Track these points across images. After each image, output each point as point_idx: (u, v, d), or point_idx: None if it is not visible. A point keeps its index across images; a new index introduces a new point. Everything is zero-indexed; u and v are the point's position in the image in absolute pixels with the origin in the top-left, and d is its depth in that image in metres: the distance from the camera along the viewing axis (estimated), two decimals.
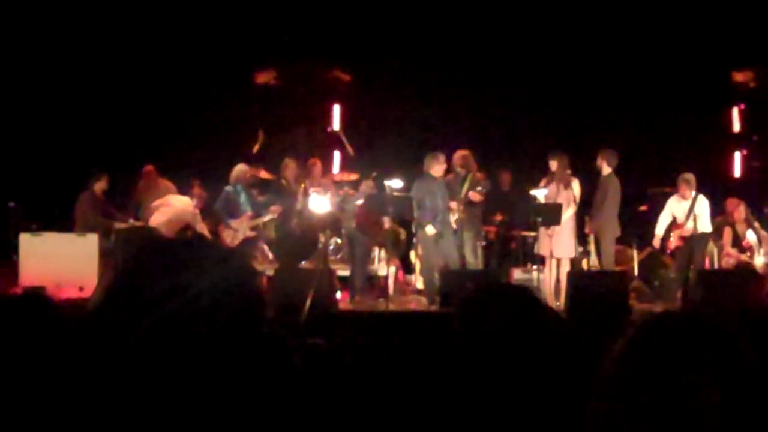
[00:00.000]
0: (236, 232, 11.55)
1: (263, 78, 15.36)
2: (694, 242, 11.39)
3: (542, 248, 11.25)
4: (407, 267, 12.98)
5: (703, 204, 11.46)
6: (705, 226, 11.46)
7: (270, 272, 10.65)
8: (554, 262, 11.21)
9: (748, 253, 11.83)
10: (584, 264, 12.20)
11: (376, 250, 12.43)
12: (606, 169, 11.40)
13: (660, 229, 11.63)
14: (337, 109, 14.96)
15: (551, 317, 2.36)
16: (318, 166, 12.38)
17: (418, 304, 11.36)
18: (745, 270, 11.37)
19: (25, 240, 11.00)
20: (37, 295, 2.59)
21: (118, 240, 11.26)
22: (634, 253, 12.57)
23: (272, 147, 13.66)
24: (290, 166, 12.27)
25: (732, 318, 1.33)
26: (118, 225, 11.58)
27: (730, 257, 11.85)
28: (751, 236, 11.88)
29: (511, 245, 12.88)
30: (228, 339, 1.37)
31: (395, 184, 11.33)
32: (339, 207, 11.78)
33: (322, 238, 11.56)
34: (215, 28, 14.19)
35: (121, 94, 14.01)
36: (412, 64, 14.72)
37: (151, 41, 13.95)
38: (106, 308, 1.41)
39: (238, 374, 1.37)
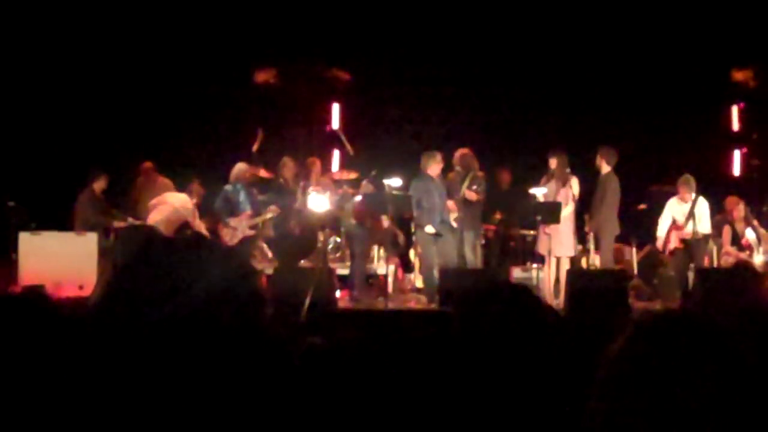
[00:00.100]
0: (235, 230, 11.55)
1: (263, 77, 15.35)
2: (693, 244, 11.40)
3: (541, 247, 11.26)
4: (407, 266, 12.98)
5: (703, 206, 11.47)
6: (705, 227, 11.48)
7: (269, 271, 10.65)
8: (554, 260, 11.21)
9: (748, 252, 11.83)
10: (583, 263, 12.20)
11: (376, 248, 12.43)
12: (605, 168, 11.41)
13: (662, 231, 11.64)
14: (336, 108, 14.95)
15: (550, 316, 2.36)
16: (317, 165, 12.38)
17: (417, 302, 11.37)
18: (744, 268, 11.37)
19: (25, 239, 11.00)
20: (36, 293, 2.60)
21: (118, 239, 11.26)
22: (633, 251, 12.57)
23: (272, 146, 13.64)
24: (288, 165, 12.27)
25: (731, 316, 1.33)
26: (118, 224, 11.57)
27: (730, 256, 11.86)
28: (750, 235, 11.88)
29: (511, 244, 12.88)
30: (227, 337, 1.37)
31: (394, 182, 11.33)
32: (338, 206, 11.78)
33: (321, 237, 11.56)
34: (214, 27, 14.18)
35: (120, 93, 13.99)
36: (411, 63, 14.71)
37: (150, 40, 13.94)
38: (106, 307, 1.41)
39: (238, 372, 1.37)
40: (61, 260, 10.66)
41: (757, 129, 15.24)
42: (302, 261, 11.79)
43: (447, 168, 11.59)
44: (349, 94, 15.34)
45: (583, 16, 14.43)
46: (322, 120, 15.02)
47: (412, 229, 11.69)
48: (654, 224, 11.87)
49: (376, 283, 12.22)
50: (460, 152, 11.54)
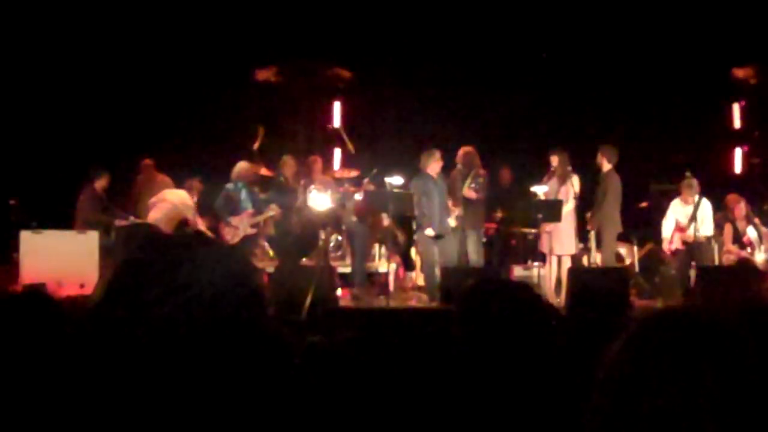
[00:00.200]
0: (237, 229, 11.55)
1: (263, 75, 15.35)
2: (695, 247, 11.42)
3: (543, 245, 11.28)
4: (408, 264, 12.97)
5: (706, 208, 11.50)
6: (707, 229, 11.52)
7: (270, 269, 10.66)
8: (555, 259, 11.22)
9: (749, 250, 11.83)
10: (585, 261, 12.20)
11: (377, 246, 12.43)
12: (606, 166, 11.41)
13: (666, 233, 11.67)
14: (337, 106, 14.95)
15: (551, 314, 2.36)
16: (319, 163, 12.38)
17: (418, 300, 11.37)
18: (745, 266, 11.37)
19: (26, 237, 11.01)
20: (37, 292, 2.60)
21: (119, 237, 11.26)
22: (635, 249, 12.57)
23: (272, 144, 13.64)
24: (289, 164, 12.27)
25: (733, 314, 1.33)
26: (119, 222, 11.57)
27: (731, 254, 11.85)
28: (751, 233, 11.88)
29: (512, 242, 12.88)
30: (228, 336, 1.37)
31: (395, 180, 11.32)
32: (339, 204, 11.78)
33: (322, 235, 11.56)
34: (215, 25, 14.18)
35: (121, 92, 14.00)
36: (412, 60, 14.72)
37: (151, 38, 13.95)
38: (107, 305, 1.41)
39: (239, 371, 1.37)
40: (63, 259, 10.66)
41: (758, 127, 15.24)
42: (303, 259, 11.79)
43: (450, 166, 11.58)
44: (350, 92, 15.34)
45: (585, 14, 14.43)
46: (322, 118, 15.02)
47: (413, 228, 11.69)
48: (655, 222, 11.87)
49: (377, 281, 12.22)
50: (463, 150, 11.53)
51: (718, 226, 11.92)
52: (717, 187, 12.51)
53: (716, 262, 11.89)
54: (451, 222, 11.20)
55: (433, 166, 11.14)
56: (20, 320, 2.35)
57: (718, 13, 14.04)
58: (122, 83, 14.00)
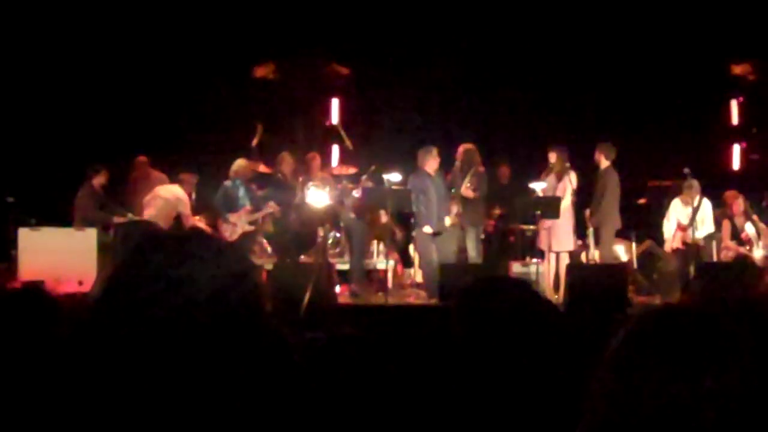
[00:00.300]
0: (235, 226, 11.55)
1: (261, 72, 15.35)
2: (693, 249, 11.47)
3: (541, 242, 11.28)
4: (406, 261, 12.97)
5: (706, 208, 11.55)
6: (708, 228, 11.58)
7: (269, 266, 10.65)
8: (553, 255, 11.22)
9: (747, 246, 11.83)
10: (583, 257, 12.21)
11: (375, 243, 12.43)
12: (604, 163, 11.42)
13: (668, 233, 11.70)
14: (335, 103, 14.94)
15: (550, 311, 2.36)
16: (317, 160, 12.39)
17: (417, 297, 11.36)
18: (743, 263, 11.39)
19: (24, 235, 11.01)
20: (36, 289, 2.60)
21: (117, 234, 11.25)
22: (633, 246, 12.57)
23: (271, 141, 13.63)
24: (287, 160, 12.27)
25: (731, 310, 1.33)
26: (117, 219, 11.57)
27: (729, 250, 11.86)
28: (749, 229, 11.89)
29: (510, 239, 12.88)
30: (227, 333, 1.37)
31: (394, 177, 11.32)
32: (338, 201, 11.78)
33: (320, 232, 11.56)
34: (213, 21, 14.17)
35: (119, 89, 13.98)
36: (410, 58, 14.71)
37: (149, 35, 13.93)
38: (106, 302, 1.41)
39: (237, 368, 1.37)
40: (61, 256, 10.67)
41: (756, 123, 15.25)
42: (302, 256, 11.79)
43: (448, 163, 11.57)
44: (349, 89, 15.34)
45: (583, 11, 14.43)
46: (321, 115, 15.01)
47: (412, 224, 11.69)
48: (653, 219, 11.87)
49: (375, 278, 12.22)
50: (463, 147, 11.51)
51: (717, 223, 11.94)
52: (715, 183, 12.52)
53: (714, 259, 11.91)
54: (447, 221, 11.19)
55: (431, 163, 11.13)
56: (18, 317, 2.35)
57: (715, 9, 14.03)
58: (120, 80, 13.99)
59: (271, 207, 11.75)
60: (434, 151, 11.18)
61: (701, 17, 14.08)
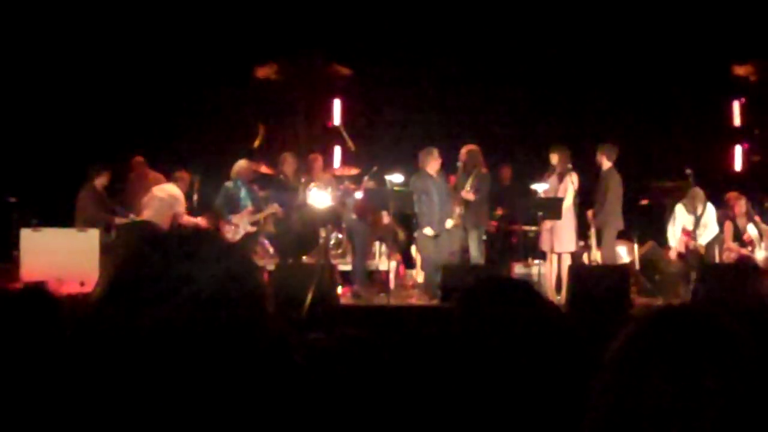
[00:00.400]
0: (237, 227, 11.55)
1: (263, 72, 15.35)
2: (697, 254, 11.49)
3: (543, 243, 11.27)
4: (408, 262, 12.97)
5: (710, 213, 11.57)
6: (711, 232, 11.60)
7: (271, 267, 10.65)
8: (555, 256, 11.22)
9: (749, 247, 11.82)
10: (585, 258, 12.20)
11: (377, 244, 12.42)
12: (606, 164, 11.41)
13: (673, 240, 11.71)
14: (337, 104, 14.94)
15: (552, 312, 2.36)
16: (319, 161, 12.38)
17: (419, 298, 11.36)
18: (746, 264, 11.38)
19: (26, 235, 11.01)
20: (38, 290, 2.60)
21: (119, 235, 11.26)
22: (635, 247, 12.57)
23: (273, 142, 13.65)
24: (289, 161, 12.27)
25: (733, 312, 1.33)
26: (119, 220, 11.58)
27: (731, 251, 11.85)
28: (752, 230, 11.88)
29: (512, 240, 12.87)
30: (229, 334, 1.37)
31: (396, 178, 11.31)
32: (339, 202, 11.77)
33: (322, 233, 11.56)
34: (215, 22, 14.17)
35: (121, 90, 14.00)
36: (412, 58, 14.71)
37: (151, 36, 13.94)
38: (108, 303, 1.41)
39: (239, 369, 1.37)
40: (63, 257, 10.67)
41: (758, 124, 15.25)
42: (304, 257, 11.79)
43: (451, 163, 11.56)
44: (350, 89, 15.33)
45: (585, 11, 14.42)
46: (323, 116, 15.02)
47: (414, 225, 11.69)
48: (656, 220, 11.87)
49: (377, 279, 12.22)
50: (466, 148, 11.48)
51: (719, 224, 11.93)
52: (717, 184, 12.51)
53: (717, 260, 11.90)
54: (449, 222, 11.18)
55: (432, 164, 11.12)
56: (20, 318, 2.35)
57: (718, 10, 14.03)
58: (122, 81, 14.00)
59: (274, 208, 11.75)
60: (435, 152, 11.17)
61: (704, 18, 14.08)
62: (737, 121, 15.54)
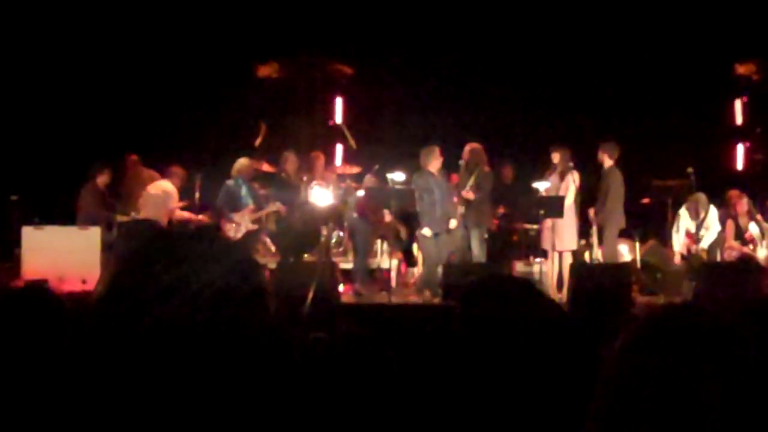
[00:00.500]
0: (238, 225, 11.55)
1: (265, 71, 15.35)
2: (699, 258, 11.55)
3: (544, 241, 11.28)
4: (409, 260, 12.97)
5: (712, 216, 11.62)
6: (712, 234, 11.66)
7: (272, 265, 10.65)
8: (556, 255, 11.22)
9: (751, 246, 11.83)
10: (586, 257, 12.20)
11: (379, 242, 12.42)
12: (607, 162, 11.42)
13: (678, 244, 11.74)
14: (339, 102, 14.94)
15: (553, 310, 2.35)
16: (321, 159, 12.38)
17: (415, 297, 11.35)
18: (747, 262, 11.38)
19: (28, 233, 11.02)
20: (39, 288, 2.60)
21: (121, 233, 11.27)
22: (637, 245, 12.57)
23: (274, 140, 13.64)
24: (290, 159, 12.27)
25: (734, 311, 1.33)
26: (121, 218, 11.59)
27: (733, 250, 11.86)
28: (753, 229, 11.88)
29: (514, 238, 12.87)
30: (230, 332, 1.37)
31: (397, 176, 11.31)
32: (341, 200, 11.78)
33: (324, 231, 11.56)
34: (217, 21, 14.17)
35: (122, 88, 13.99)
36: (414, 57, 14.70)
37: (153, 35, 13.94)
38: (109, 301, 1.41)
39: (240, 367, 1.37)
40: (64, 254, 10.68)
41: (760, 123, 15.24)
42: (305, 255, 11.79)
43: (453, 162, 11.56)
44: (352, 88, 15.33)
45: (587, 10, 14.41)
46: (324, 114, 15.02)
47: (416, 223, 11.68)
48: (657, 218, 11.88)
49: (379, 277, 12.22)
50: (469, 146, 11.47)
51: (720, 222, 11.94)
52: (719, 183, 12.51)
53: (718, 258, 11.91)
54: (452, 223, 11.17)
55: (434, 163, 11.12)
56: (21, 316, 2.35)
57: (719, 9, 14.02)
58: (124, 80, 13.99)
59: (276, 206, 11.75)
60: (437, 151, 11.16)
61: (706, 17, 14.07)
62: (739, 119, 15.54)
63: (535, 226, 11.79)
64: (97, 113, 13.90)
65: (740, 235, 11.94)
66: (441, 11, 14.50)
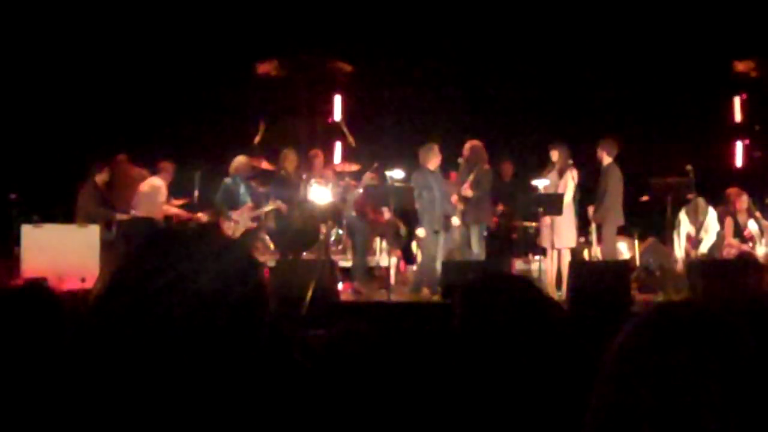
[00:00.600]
0: (237, 223, 11.55)
1: (264, 68, 15.33)
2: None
3: (544, 239, 11.27)
4: (409, 258, 12.97)
5: (712, 220, 11.65)
6: (711, 238, 11.69)
7: (271, 263, 10.65)
8: (555, 252, 11.22)
9: (750, 243, 11.84)
10: (586, 254, 12.20)
11: (378, 240, 12.42)
12: (606, 159, 11.42)
13: (680, 250, 11.77)
14: (338, 100, 14.93)
15: (552, 308, 2.36)
16: (320, 157, 12.37)
17: (410, 295, 11.34)
18: (746, 260, 11.38)
19: (27, 232, 11.01)
20: (38, 286, 2.60)
21: (120, 231, 11.27)
22: (636, 243, 12.58)
23: (273, 138, 13.63)
24: (290, 157, 12.27)
25: (733, 308, 1.33)
26: (120, 216, 11.59)
27: (732, 247, 11.87)
28: (752, 226, 11.89)
29: (513, 236, 12.87)
30: (229, 330, 1.37)
31: (396, 174, 11.31)
32: (340, 198, 11.77)
33: (323, 229, 11.56)
34: (216, 18, 14.17)
35: (122, 86, 13.99)
36: (413, 54, 14.70)
37: (152, 33, 13.93)
38: (108, 299, 1.41)
39: (239, 365, 1.37)
40: (64, 253, 10.67)
41: (759, 120, 15.23)
42: (304, 253, 11.79)
43: (451, 160, 11.55)
44: (351, 85, 15.32)
45: (585, 8, 14.41)
46: (323, 112, 15.00)
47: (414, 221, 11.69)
48: (656, 216, 11.88)
49: (378, 275, 12.22)
50: (470, 143, 11.45)
51: (720, 220, 11.95)
52: (718, 180, 12.51)
53: (717, 256, 11.91)
54: (455, 220, 11.18)
55: (433, 160, 11.11)
56: (21, 315, 2.35)
57: (718, 6, 14.02)
58: (123, 77, 13.99)
59: (276, 203, 11.75)
60: (436, 149, 11.15)
61: (704, 14, 14.07)
62: (738, 117, 15.53)
63: (534, 224, 11.79)
64: (96, 112, 13.89)
65: (739, 232, 11.95)
66: (440, 9, 14.50)
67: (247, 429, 1.37)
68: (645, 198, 12.92)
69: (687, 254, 11.68)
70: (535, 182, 11.40)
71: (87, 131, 13.54)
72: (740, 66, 15.29)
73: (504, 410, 2.08)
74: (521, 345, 2.15)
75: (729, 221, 11.99)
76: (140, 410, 1.32)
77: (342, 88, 15.19)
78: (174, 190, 12.12)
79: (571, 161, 11.32)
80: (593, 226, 11.86)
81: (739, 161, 15.25)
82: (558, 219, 11.00)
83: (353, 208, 11.73)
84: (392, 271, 11.51)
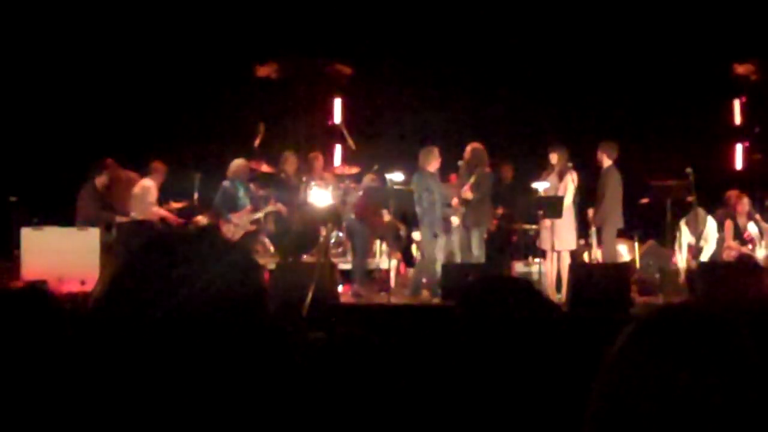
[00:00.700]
0: (237, 226, 11.56)
1: (264, 71, 15.34)
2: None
3: (543, 242, 11.27)
4: (408, 260, 12.97)
5: (711, 229, 11.68)
6: (711, 247, 11.74)
7: (271, 266, 10.66)
8: (555, 255, 11.22)
9: (750, 246, 11.84)
10: (585, 257, 12.20)
11: (378, 243, 12.42)
12: (606, 162, 11.42)
13: (682, 261, 11.80)
14: (338, 103, 14.94)
15: (552, 310, 2.36)
16: (320, 160, 12.38)
17: (407, 298, 11.34)
18: (746, 263, 11.38)
19: (27, 234, 11.01)
20: (39, 289, 2.60)
21: (120, 234, 11.28)
22: (636, 245, 12.58)
23: (273, 140, 13.64)
24: (290, 160, 12.28)
25: (734, 311, 1.33)
26: (120, 219, 11.59)
27: (732, 250, 11.87)
28: (752, 229, 11.89)
29: (513, 238, 12.87)
30: (229, 333, 1.37)
31: (396, 177, 11.31)
32: (340, 200, 11.78)
33: (323, 232, 11.56)
34: (216, 21, 14.17)
35: (121, 89, 13.99)
36: (413, 57, 14.70)
37: (152, 35, 13.94)
38: (108, 302, 1.41)
39: (239, 368, 1.37)
40: (64, 256, 10.67)
41: (758, 123, 15.24)
42: (304, 256, 11.79)
43: (451, 162, 11.55)
44: (351, 88, 15.34)
45: (586, 10, 14.42)
46: (323, 114, 15.01)
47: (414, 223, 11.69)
48: (656, 218, 11.89)
49: (378, 277, 12.21)
50: (471, 146, 11.43)
51: (719, 223, 11.96)
52: (718, 183, 12.52)
53: (717, 259, 11.92)
54: (455, 221, 11.18)
55: (433, 163, 11.12)
56: (21, 317, 2.35)
57: (718, 9, 14.03)
58: (123, 80, 14.00)
59: (276, 206, 11.76)
60: (436, 151, 11.15)
61: (704, 17, 14.08)
62: (738, 119, 15.56)
63: (534, 227, 11.79)
64: (96, 114, 13.90)
65: (739, 234, 11.95)
66: (440, 11, 14.50)
67: (247, 430, 1.37)
68: (645, 201, 12.94)
69: (688, 265, 11.70)
70: (535, 185, 11.40)
71: (87, 134, 13.54)
72: (740, 69, 15.31)
73: (504, 413, 2.08)
74: (521, 347, 2.15)
75: (729, 224, 11.99)
76: (140, 412, 1.32)
77: (342, 91, 15.21)
78: (174, 193, 12.12)
79: (570, 164, 11.32)
80: (593, 229, 11.86)
81: (738, 164, 15.26)
82: (558, 221, 10.99)
83: (353, 211, 11.73)
84: (392, 274, 11.52)
